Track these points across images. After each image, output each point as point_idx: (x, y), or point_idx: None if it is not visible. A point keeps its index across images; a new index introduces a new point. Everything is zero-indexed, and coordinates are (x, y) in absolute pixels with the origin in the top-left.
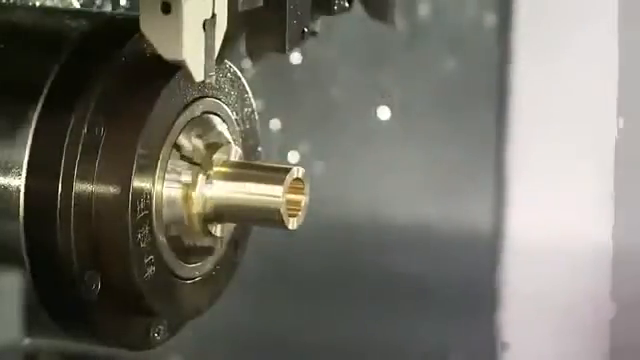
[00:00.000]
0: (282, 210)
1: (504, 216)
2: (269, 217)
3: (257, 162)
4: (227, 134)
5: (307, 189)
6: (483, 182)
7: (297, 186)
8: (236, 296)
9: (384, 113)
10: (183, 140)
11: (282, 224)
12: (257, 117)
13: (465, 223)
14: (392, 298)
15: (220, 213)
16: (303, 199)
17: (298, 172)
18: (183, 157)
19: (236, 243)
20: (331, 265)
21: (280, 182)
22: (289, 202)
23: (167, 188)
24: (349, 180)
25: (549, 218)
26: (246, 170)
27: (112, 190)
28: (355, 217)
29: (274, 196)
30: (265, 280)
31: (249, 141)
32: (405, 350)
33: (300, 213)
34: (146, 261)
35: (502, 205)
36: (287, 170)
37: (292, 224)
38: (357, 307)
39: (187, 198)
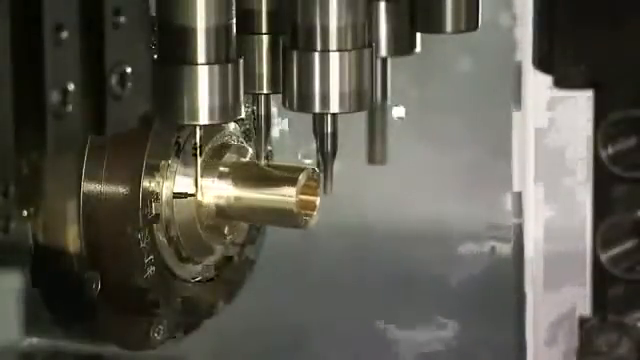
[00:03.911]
0: (295, 211)
1: (523, 214)
2: (282, 218)
3: (269, 162)
4: (238, 134)
5: (320, 189)
6: (501, 181)
7: (310, 186)
8: (251, 295)
9: (399, 112)
10: (191, 140)
11: (295, 224)
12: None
13: (483, 222)
14: (410, 298)
15: (231, 214)
16: (316, 199)
17: (311, 173)
18: (191, 157)
19: (246, 243)
20: (347, 264)
21: (293, 183)
22: (302, 202)
23: (173, 189)
24: (364, 179)
25: (569, 216)
26: (259, 171)
27: (121, 191)
28: (370, 216)
29: (287, 196)
30: (281, 279)
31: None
32: (426, 349)
33: (314, 213)
34: (146, 261)
35: (521, 203)
36: (300, 170)
37: (305, 224)
38: (374, 306)
39: (194, 199)
